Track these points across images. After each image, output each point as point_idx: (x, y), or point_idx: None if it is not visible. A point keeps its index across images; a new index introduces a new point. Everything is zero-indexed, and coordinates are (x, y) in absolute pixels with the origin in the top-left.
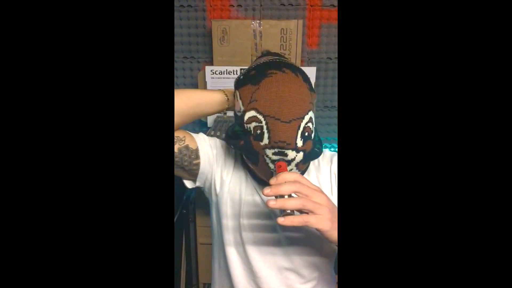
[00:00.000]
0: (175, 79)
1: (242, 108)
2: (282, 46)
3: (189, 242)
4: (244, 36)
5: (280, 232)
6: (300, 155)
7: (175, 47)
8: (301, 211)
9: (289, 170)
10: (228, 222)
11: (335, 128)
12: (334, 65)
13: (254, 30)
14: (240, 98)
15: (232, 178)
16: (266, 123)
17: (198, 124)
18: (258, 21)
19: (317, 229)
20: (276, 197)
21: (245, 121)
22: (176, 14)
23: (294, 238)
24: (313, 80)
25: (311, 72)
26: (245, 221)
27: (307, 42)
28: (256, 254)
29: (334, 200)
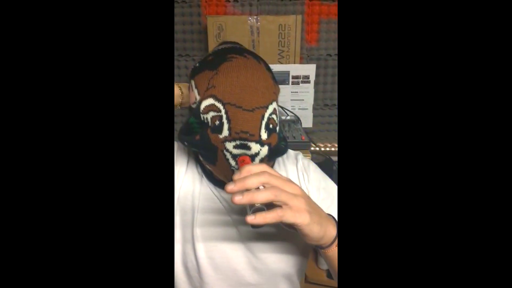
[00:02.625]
0: None
1: (198, 98)
2: (280, 42)
3: None
4: (241, 32)
5: (244, 242)
6: (264, 149)
7: None
8: (272, 206)
9: None
10: (177, 234)
11: (335, 127)
12: (334, 62)
13: (251, 26)
14: (196, 87)
15: (183, 182)
16: (226, 112)
17: None
18: (255, 17)
19: (294, 225)
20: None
21: (201, 111)
22: None
23: (262, 241)
24: (312, 78)
25: (310, 69)
26: (198, 231)
27: (306, 39)
28: (210, 270)
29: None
